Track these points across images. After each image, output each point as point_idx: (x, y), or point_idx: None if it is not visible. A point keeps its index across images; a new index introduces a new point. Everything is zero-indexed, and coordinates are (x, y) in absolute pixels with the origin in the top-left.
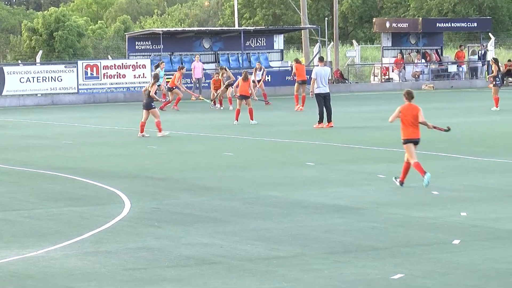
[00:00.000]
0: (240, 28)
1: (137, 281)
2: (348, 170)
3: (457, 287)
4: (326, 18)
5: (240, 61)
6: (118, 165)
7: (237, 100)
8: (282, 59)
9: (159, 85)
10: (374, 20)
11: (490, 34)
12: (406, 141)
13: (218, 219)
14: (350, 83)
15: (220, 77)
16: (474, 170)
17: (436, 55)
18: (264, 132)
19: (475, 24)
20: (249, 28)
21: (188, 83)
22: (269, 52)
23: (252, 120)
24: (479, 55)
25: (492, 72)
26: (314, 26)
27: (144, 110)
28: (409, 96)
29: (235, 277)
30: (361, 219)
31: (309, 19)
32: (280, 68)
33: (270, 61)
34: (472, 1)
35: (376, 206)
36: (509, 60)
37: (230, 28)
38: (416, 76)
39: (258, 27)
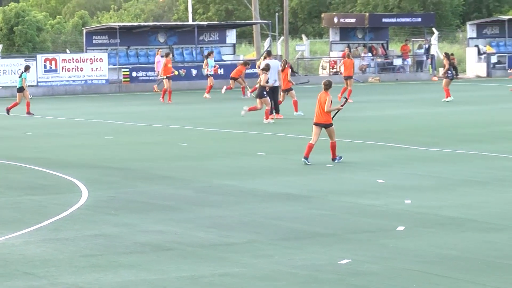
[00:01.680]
0: (194, 23)
1: (94, 267)
2: (298, 160)
3: (402, 271)
4: (277, 14)
5: (194, 55)
6: (76, 156)
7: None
8: (234, 53)
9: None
10: (322, 16)
11: (433, 29)
12: (314, 124)
13: (173, 207)
14: (300, 76)
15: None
16: (418, 160)
17: (382, 49)
18: (217, 123)
19: (420, 19)
20: (202, 23)
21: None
22: (222, 46)
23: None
24: (424, 49)
25: (445, 66)
26: (265, 21)
27: (257, 99)
28: (325, 86)
29: (189, 262)
30: (311, 206)
31: (260, 14)
32: (232, 62)
33: (223, 55)
34: None
35: (325, 194)
36: (452, 54)
37: (184, 23)
38: (363, 69)
39: (211, 22)
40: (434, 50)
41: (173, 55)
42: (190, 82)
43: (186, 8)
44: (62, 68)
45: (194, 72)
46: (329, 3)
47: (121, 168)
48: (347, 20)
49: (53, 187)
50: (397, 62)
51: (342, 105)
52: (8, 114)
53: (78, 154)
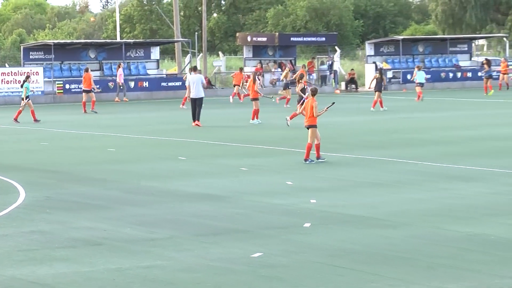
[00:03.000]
0: (122, 40)
1: (31, 260)
2: (216, 163)
3: (308, 264)
4: (196, 33)
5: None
6: (15, 160)
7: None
8: (158, 68)
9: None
10: (237, 35)
11: (336, 47)
12: (307, 127)
13: (102, 206)
14: (217, 88)
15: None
16: (324, 164)
17: (290, 64)
18: (143, 130)
19: (324, 39)
20: (129, 40)
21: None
22: (147, 62)
23: (255, 119)
24: (327, 65)
25: (376, 80)
26: (186, 39)
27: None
28: (312, 92)
29: (117, 256)
30: (227, 206)
31: (182, 33)
32: (156, 76)
33: (148, 69)
34: (321, 18)
35: (240, 194)
36: (352, 69)
37: (113, 40)
38: (273, 83)
39: (137, 40)
40: (336, 66)
41: (102, 70)
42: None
43: (115, 27)
44: (2, 81)
45: (131, 84)
46: (243, 24)
47: (55, 171)
48: (259, 38)
49: None
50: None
51: (327, 108)
52: (17, 121)
53: (17, 159)
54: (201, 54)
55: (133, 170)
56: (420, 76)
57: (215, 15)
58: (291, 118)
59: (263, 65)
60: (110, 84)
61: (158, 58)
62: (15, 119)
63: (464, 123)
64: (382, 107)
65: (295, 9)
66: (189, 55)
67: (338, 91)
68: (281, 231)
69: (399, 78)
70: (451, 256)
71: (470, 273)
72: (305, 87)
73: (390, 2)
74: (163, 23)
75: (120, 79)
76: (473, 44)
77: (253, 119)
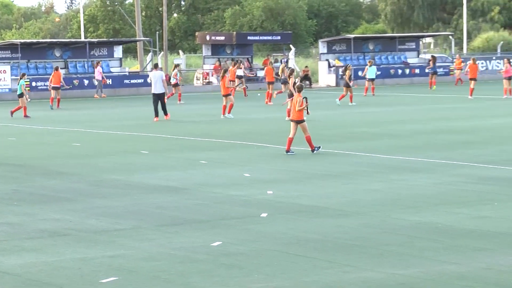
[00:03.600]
0: (86, 40)
1: (0, 251)
2: (176, 157)
3: (265, 252)
4: (157, 32)
5: (86, 67)
6: None
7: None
8: (120, 66)
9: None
10: (196, 34)
11: (291, 45)
12: (291, 121)
13: (68, 199)
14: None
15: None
16: (279, 157)
17: (247, 62)
18: (107, 126)
19: (279, 38)
20: (93, 40)
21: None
22: (110, 60)
23: (229, 113)
24: (282, 62)
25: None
26: (147, 38)
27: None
28: (298, 89)
29: (83, 246)
30: (188, 197)
31: (143, 32)
32: (119, 73)
33: (111, 67)
34: (276, 18)
35: (199, 186)
36: (306, 66)
37: (78, 39)
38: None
39: (100, 39)
40: (291, 64)
41: (67, 68)
42: (82, 91)
43: (79, 27)
44: None
45: (86, 82)
46: (202, 23)
47: (22, 165)
48: (218, 38)
49: None
50: (260, 73)
51: (306, 103)
52: (27, 116)
53: None
54: (162, 52)
55: (97, 164)
56: (371, 71)
57: (175, 15)
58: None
59: (221, 63)
60: (75, 81)
61: (121, 56)
62: (25, 116)
63: (412, 117)
64: (351, 101)
65: (252, 9)
66: (150, 54)
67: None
68: (239, 221)
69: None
70: (400, 244)
71: (418, 259)
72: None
73: (342, 2)
74: (125, 23)
75: (98, 76)
76: (420, 42)
77: (223, 114)
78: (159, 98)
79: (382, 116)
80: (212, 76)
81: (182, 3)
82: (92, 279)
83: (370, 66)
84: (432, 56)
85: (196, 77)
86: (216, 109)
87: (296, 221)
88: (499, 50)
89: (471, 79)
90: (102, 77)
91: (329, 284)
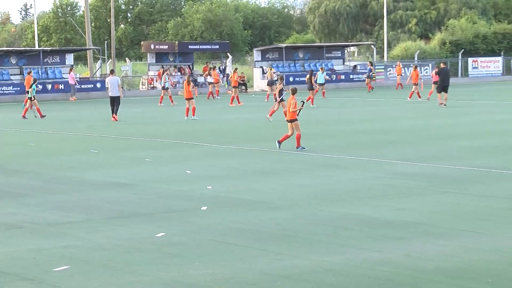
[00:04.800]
0: (40, 48)
1: None
2: (124, 155)
3: (205, 242)
4: (106, 41)
5: (40, 73)
6: None
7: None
8: (30, 73)
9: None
10: (142, 43)
11: (228, 54)
12: (288, 121)
13: (23, 194)
14: (124, 90)
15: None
16: (219, 155)
17: (188, 69)
18: (60, 127)
19: (217, 46)
20: (46, 48)
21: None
22: (62, 67)
23: (194, 116)
24: (220, 69)
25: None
26: (97, 47)
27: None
28: (292, 91)
29: (37, 238)
30: (134, 192)
31: (93, 42)
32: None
33: (63, 73)
34: (215, 29)
35: (145, 182)
36: (242, 73)
37: (32, 48)
38: (174, 85)
39: (53, 48)
40: (228, 70)
41: (22, 74)
42: (37, 95)
43: (33, 37)
44: None
45: (40, 87)
46: (147, 33)
47: None
48: (161, 46)
49: None
50: (200, 79)
51: (302, 106)
52: (43, 116)
53: None
54: (110, 60)
55: (51, 162)
56: (320, 77)
57: (122, 26)
58: (270, 115)
59: (165, 70)
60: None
61: (72, 63)
62: (41, 116)
63: (340, 119)
64: (312, 104)
65: (192, 21)
66: (99, 61)
67: (230, 92)
68: (181, 213)
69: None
70: (328, 233)
71: (344, 247)
72: (283, 88)
73: (274, 15)
74: (76, 33)
75: (71, 80)
76: (345, 51)
77: (187, 115)
78: (114, 100)
79: (311, 117)
80: (156, 81)
81: (129, 15)
82: (46, 268)
83: (322, 72)
84: (371, 62)
85: (142, 82)
86: (161, 112)
87: (233, 213)
88: (416, 58)
89: (413, 84)
90: (75, 82)
91: (264, 270)
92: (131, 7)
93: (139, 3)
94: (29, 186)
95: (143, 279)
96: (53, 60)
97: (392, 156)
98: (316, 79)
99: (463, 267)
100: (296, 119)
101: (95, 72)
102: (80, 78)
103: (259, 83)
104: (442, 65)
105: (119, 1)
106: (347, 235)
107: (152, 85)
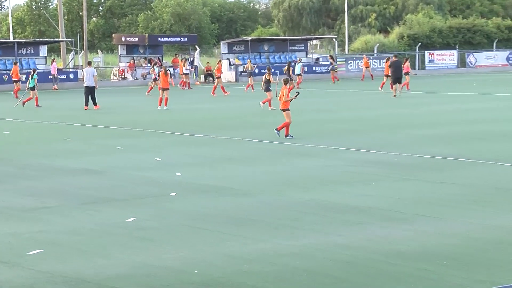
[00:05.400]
0: (14, 40)
1: None
2: (96, 143)
3: (175, 226)
4: (78, 33)
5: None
6: None
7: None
8: (46, 63)
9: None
10: (113, 36)
11: (196, 46)
12: (283, 110)
13: None
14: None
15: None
16: (188, 143)
17: (159, 60)
18: (34, 116)
19: (186, 39)
20: (21, 40)
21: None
22: (36, 58)
23: (166, 106)
24: (189, 61)
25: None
26: (69, 39)
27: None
28: (284, 81)
29: (12, 222)
30: (106, 179)
31: (66, 34)
32: (44, 70)
33: (37, 64)
34: (183, 22)
35: (117, 169)
36: (207, 63)
37: (7, 40)
38: (144, 76)
39: (27, 40)
40: (197, 62)
41: None
42: (11, 85)
43: (8, 29)
44: None
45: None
46: (118, 26)
47: None
48: (132, 39)
49: None
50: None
51: (295, 96)
52: (39, 106)
53: None
54: (82, 51)
55: (25, 150)
56: (298, 68)
57: (94, 19)
58: (263, 103)
59: (135, 61)
60: (4, 77)
61: (46, 55)
62: (37, 105)
63: (303, 108)
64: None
65: (162, 14)
66: (72, 53)
67: (198, 83)
68: (151, 199)
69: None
70: (293, 218)
71: (307, 232)
72: (271, 78)
73: (240, 9)
74: (49, 25)
75: (53, 71)
76: (308, 44)
77: (160, 105)
78: (89, 90)
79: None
80: (127, 72)
81: (100, 8)
82: (21, 251)
83: (298, 63)
84: (330, 56)
85: (113, 73)
86: (134, 101)
87: (201, 199)
88: (375, 51)
89: (385, 75)
90: (56, 72)
91: (231, 254)
92: (102, 0)
93: None
94: (4, 173)
95: (115, 262)
96: (27, 52)
97: (353, 145)
98: (294, 70)
99: (421, 250)
100: (288, 109)
101: (68, 63)
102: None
103: (226, 74)
104: (394, 58)
105: None
106: (311, 220)
107: (123, 76)
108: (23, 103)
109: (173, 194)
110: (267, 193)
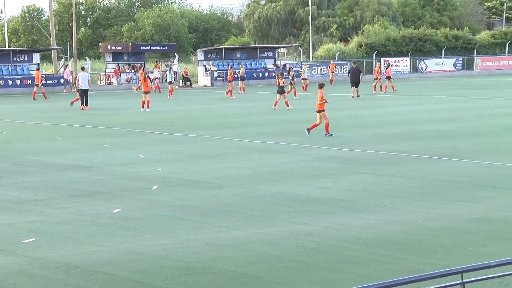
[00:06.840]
0: (10, 48)
1: None
2: (84, 142)
3: (156, 216)
4: (68, 42)
5: (10, 71)
6: None
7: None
8: (39, 69)
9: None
10: (100, 44)
11: (175, 54)
12: (318, 111)
13: None
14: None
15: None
16: (168, 142)
17: (141, 67)
18: (28, 117)
19: (166, 48)
20: (15, 48)
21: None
22: (30, 64)
23: (148, 108)
24: (170, 68)
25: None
26: (60, 47)
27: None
28: (319, 85)
29: (8, 213)
30: (93, 174)
31: (57, 43)
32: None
33: (31, 70)
34: (164, 32)
35: (103, 165)
36: (185, 68)
37: (3, 48)
38: (128, 81)
39: (22, 48)
40: (176, 68)
41: None
42: (7, 89)
43: (4, 38)
44: None
45: (10, 82)
46: (104, 36)
47: None
48: (117, 47)
49: None
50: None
51: (326, 101)
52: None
53: None
54: (72, 59)
55: (20, 148)
56: (305, 72)
57: (82, 29)
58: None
59: (120, 67)
60: (0, 82)
61: (39, 62)
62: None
63: (271, 110)
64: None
65: (144, 25)
66: (63, 60)
67: (177, 87)
68: (135, 192)
69: (222, 77)
70: (262, 209)
71: (276, 221)
72: (284, 82)
73: (215, 20)
74: (42, 35)
75: (66, 76)
76: (276, 52)
77: (143, 107)
78: (84, 92)
79: (247, 109)
80: (112, 78)
81: (88, 19)
82: (16, 240)
83: (304, 68)
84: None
85: (100, 78)
86: (120, 103)
87: (180, 192)
88: (336, 58)
89: (375, 78)
90: (68, 77)
91: (206, 241)
92: (90, 12)
93: (97, 9)
94: (1, 169)
95: (102, 249)
96: (22, 59)
97: (317, 142)
98: (299, 75)
99: (378, 237)
100: (324, 110)
101: (59, 69)
102: (45, 74)
103: (202, 79)
104: (353, 65)
105: (80, 7)
106: (279, 210)
107: (109, 81)
108: (71, 103)
109: (154, 187)
110: (240, 186)
